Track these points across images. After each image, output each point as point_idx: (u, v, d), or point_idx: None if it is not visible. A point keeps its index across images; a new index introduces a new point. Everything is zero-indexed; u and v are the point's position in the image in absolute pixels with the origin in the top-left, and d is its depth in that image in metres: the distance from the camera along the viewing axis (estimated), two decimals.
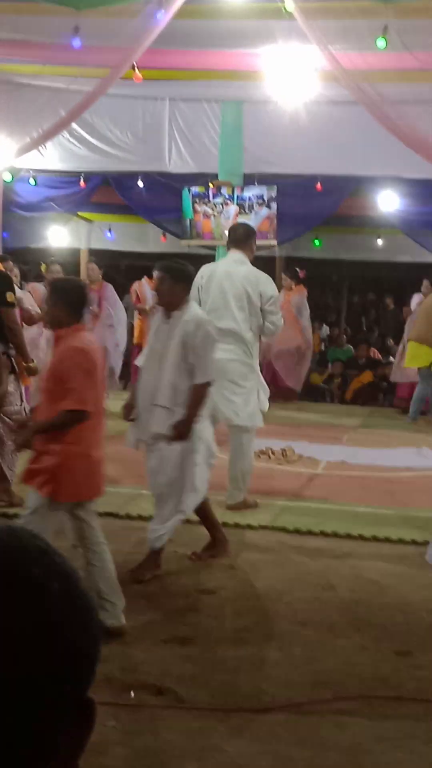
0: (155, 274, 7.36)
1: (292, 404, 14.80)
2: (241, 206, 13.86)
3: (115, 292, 13.76)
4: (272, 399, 13.68)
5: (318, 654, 5.31)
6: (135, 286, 14.36)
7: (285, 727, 4.46)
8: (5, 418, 7.88)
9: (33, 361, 8.55)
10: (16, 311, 8.12)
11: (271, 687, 4.87)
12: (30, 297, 10.15)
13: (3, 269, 8.29)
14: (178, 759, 4.14)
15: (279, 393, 14.41)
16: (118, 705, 4.45)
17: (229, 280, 8.07)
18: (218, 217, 13.92)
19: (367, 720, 4.56)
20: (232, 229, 8.37)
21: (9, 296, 7.92)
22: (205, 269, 8.24)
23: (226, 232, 13.92)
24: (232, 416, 8.14)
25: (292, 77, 9.24)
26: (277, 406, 14.18)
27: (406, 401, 14.50)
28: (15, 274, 10.67)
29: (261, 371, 10.83)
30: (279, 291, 14.31)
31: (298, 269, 14.87)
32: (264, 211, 13.89)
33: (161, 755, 4.15)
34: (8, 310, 7.89)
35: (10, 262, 11.48)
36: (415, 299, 14.20)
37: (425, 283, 10.37)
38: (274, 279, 15.87)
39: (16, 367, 8.08)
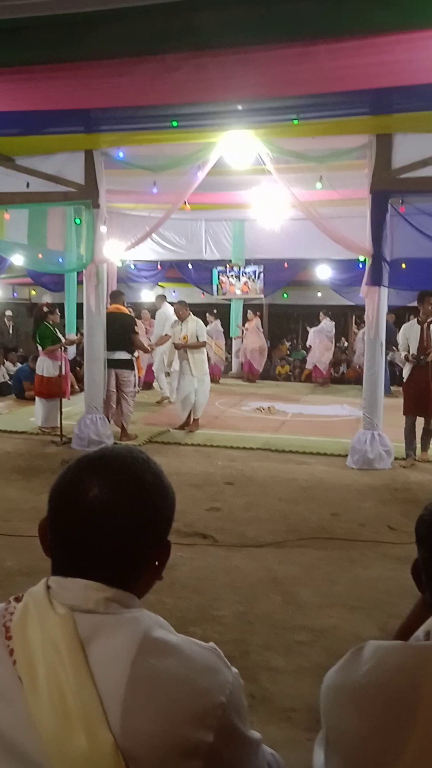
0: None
1: (271, 382, 14.71)
2: (245, 276, 13.86)
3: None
4: (245, 379, 14.04)
5: (288, 514, 5.29)
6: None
7: (272, 554, 4.46)
8: (124, 395, 7.94)
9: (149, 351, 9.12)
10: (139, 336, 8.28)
11: (263, 533, 4.87)
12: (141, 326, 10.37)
13: (129, 312, 8.42)
14: (215, 572, 4.15)
15: (249, 375, 14.36)
16: (183, 544, 4.48)
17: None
18: (237, 283, 13.95)
19: (315, 550, 4.56)
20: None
21: (135, 329, 8.05)
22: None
23: (237, 291, 14.07)
24: None
25: (270, 206, 9.19)
26: (265, 384, 14.24)
27: (315, 378, 14.24)
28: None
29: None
30: (251, 321, 14.25)
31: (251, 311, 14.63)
32: (258, 279, 13.89)
33: (206, 570, 4.17)
34: (136, 336, 7.99)
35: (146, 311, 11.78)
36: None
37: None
38: (262, 318, 15.98)
39: (134, 365, 8.18)
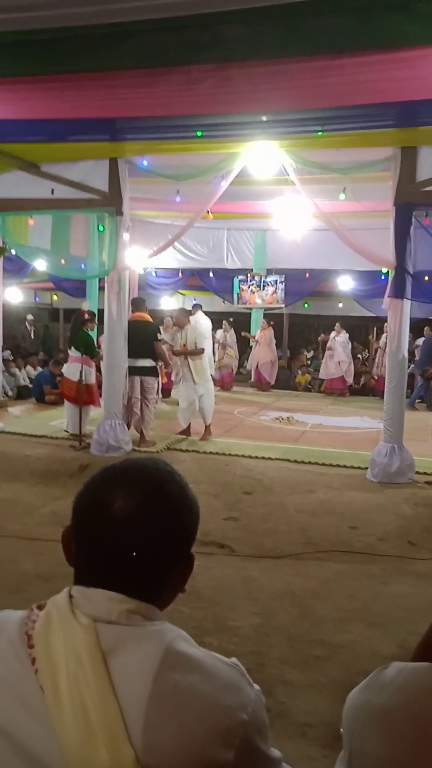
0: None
1: (290, 392, 14.68)
2: (267, 286, 13.90)
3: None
4: (258, 389, 14.12)
5: (307, 526, 5.27)
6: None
7: (289, 567, 4.45)
8: (147, 402, 7.98)
9: (171, 366, 8.83)
10: (161, 343, 8.32)
11: (281, 544, 4.85)
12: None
13: (151, 320, 8.42)
14: (232, 582, 4.15)
15: (260, 385, 14.37)
16: (200, 553, 4.46)
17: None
18: (258, 292, 13.97)
19: (333, 563, 4.54)
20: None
21: (159, 336, 8.13)
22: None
23: (258, 300, 14.09)
24: None
25: (292, 216, 9.20)
26: (284, 394, 14.22)
27: (331, 390, 14.20)
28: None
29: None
30: (263, 332, 14.24)
31: (264, 320, 14.49)
32: (279, 288, 13.91)
33: (223, 580, 4.16)
34: (158, 343, 8.04)
35: (168, 318, 11.87)
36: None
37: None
38: (281, 328, 16.01)
39: (158, 372, 8.24)
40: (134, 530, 0.97)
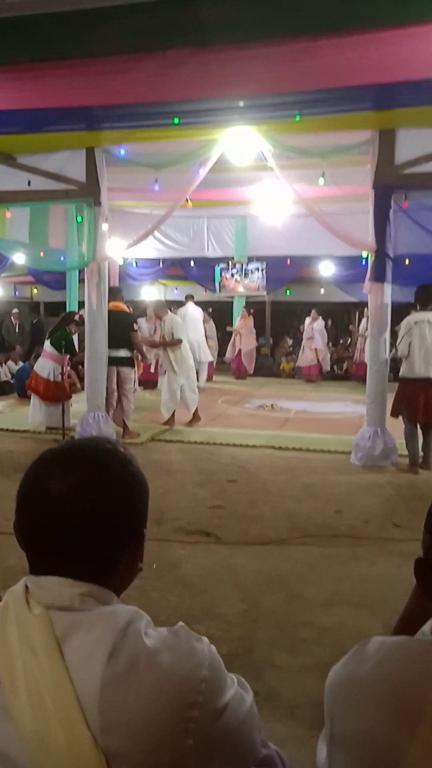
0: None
1: (275, 378, 14.71)
2: (248, 273, 13.86)
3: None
4: (235, 376, 14.35)
5: (292, 512, 5.29)
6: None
7: (276, 552, 4.46)
8: (124, 392, 7.96)
9: (147, 359, 8.75)
10: (138, 334, 8.26)
11: (267, 530, 4.86)
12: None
13: (129, 310, 8.37)
14: (219, 570, 4.15)
15: (238, 373, 14.55)
16: (186, 542, 4.48)
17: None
18: (242, 281, 13.94)
19: (319, 547, 4.55)
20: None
21: (135, 326, 8.06)
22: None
23: (241, 288, 14.06)
24: None
25: (272, 202, 9.17)
26: (267, 382, 14.25)
27: (309, 376, 14.43)
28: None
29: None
30: (245, 321, 14.34)
31: (245, 308, 14.70)
32: (259, 275, 13.88)
33: (209, 568, 4.16)
34: (135, 333, 7.98)
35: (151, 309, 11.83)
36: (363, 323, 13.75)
37: None
38: (263, 316, 15.99)
39: (134, 362, 8.20)
40: (73, 510, 0.96)
